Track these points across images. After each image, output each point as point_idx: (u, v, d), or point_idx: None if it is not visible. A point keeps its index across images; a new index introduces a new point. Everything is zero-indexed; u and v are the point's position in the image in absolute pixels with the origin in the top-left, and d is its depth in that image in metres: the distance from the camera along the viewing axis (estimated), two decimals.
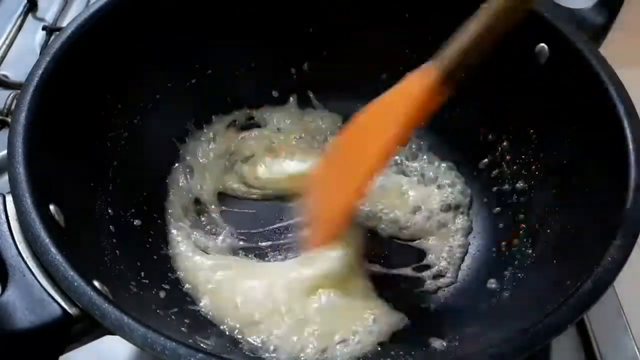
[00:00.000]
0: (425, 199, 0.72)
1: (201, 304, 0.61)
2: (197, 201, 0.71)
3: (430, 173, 0.75)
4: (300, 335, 0.58)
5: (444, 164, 0.75)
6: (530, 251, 0.62)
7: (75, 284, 0.43)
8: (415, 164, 0.76)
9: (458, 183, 0.73)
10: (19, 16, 0.97)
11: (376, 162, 0.59)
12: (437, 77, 0.54)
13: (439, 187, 0.73)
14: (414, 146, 0.77)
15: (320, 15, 0.75)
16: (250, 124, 0.78)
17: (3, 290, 0.44)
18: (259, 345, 0.58)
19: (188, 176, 0.72)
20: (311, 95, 0.80)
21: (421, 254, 0.69)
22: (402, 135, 0.58)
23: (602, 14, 0.66)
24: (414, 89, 0.55)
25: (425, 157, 0.76)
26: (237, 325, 0.59)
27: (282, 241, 0.69)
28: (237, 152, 0.75)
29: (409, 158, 0.76)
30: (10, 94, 0.84)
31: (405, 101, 0.56)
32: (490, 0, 0.52)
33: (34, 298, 0.43)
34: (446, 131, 0.76)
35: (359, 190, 0.60)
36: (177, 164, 0.72)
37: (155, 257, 0.64)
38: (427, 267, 0.68)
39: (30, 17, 0.97)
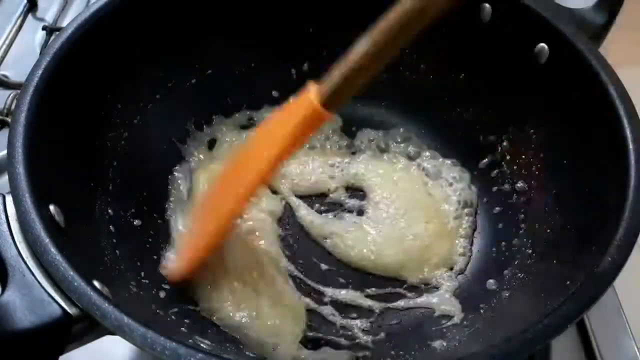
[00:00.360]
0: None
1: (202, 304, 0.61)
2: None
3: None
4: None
5: (447, 161, 0.75)
6: (530, 251, 0.62)
7: (75, 284, 0.43)
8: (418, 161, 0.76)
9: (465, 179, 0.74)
10: (19, 16, 0.97)
11: (248, 186, 0.57)
12: (319, 102, 0.51)
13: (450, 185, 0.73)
14: (412, 143, 0.77)
15: (320, 15, 0.75)
16: (250, 124, 0.78)
17: (3, 290, 0.44)
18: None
19: (188, 176, 0.72)
20: None
21: None
22: (277, 158, 0.55)
23: (602, 14, 0.66)
24: (299, 109, 0.53)
25: (427, 154, 0.76)
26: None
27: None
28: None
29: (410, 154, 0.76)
30: (10, 94, 0.84)
31: (283, 127, 0.54)
32: (386, 14, 0.49)
33: (34, 298, 0.43)
34: (446, 131, 0.76)
35: (229, 214, 0.59)
36: (177, 164, 0.72)
37: (155, 257, 0.64)
38: None
39: (30, 17, 0.97)
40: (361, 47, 0.49)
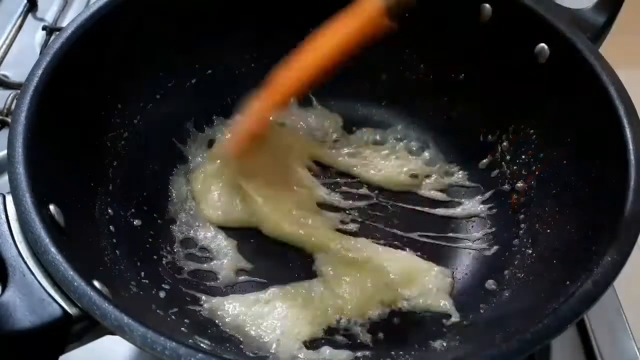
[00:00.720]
0: None
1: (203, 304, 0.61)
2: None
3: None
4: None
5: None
6: (530, 251, 0.62)
7: (75, 284, 0.43)
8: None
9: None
10: (19, 16, 0.97)
11: (304, 69, 0.62)
12: (383, 7, 0.56)
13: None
14: (414, 143, 0.77)
15: (320, 15, 0.75)
16: None
17: (3, 290, 0.44)
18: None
19: (188, 176, 0.72)
20: (311, 94, 0.79)
21: None
22: (336, 51, 0.60)
23: (602, 14, 0.66)
24: (361, 11, 0.58)
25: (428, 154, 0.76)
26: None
27: None
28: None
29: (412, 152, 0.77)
30: (10, 94, 0.84)
31: (349, 21, 0.59)
32: None
33: (34, 298, 0.43)
34: (446, 131, 0.76)
35: (284, 93, 0.64)
36: (177, 164, 0.72)
37: (155, 257, 0.64)
38: None
39: (30, 17, 0.97)
40: None
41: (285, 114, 0.75)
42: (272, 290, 0.63)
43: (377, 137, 0.78)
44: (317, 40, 0.61)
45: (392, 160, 0.75)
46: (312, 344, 0.59)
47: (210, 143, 0.75)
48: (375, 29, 0.58)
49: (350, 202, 0.72)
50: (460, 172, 0.74)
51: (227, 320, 0.60)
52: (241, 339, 0.58)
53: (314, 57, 0.61)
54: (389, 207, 0.72)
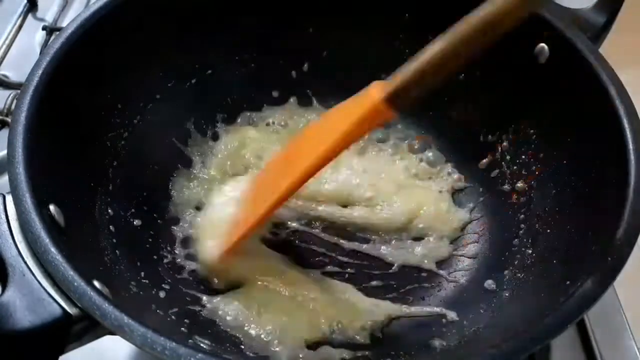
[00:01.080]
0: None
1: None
2: (196, 201, 0.71)
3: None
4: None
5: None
6: (530, 251, 0.62)
7: (75, 284, 0.43)
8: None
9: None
10: (19, 16, 0.97)
11: (297, 176, 0.56)
12: (384, 98, 0.49)
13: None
14: (408, 146, 0.77)
15: (320, 15, 0.75)
16: (250, 124, 0.78)
17: (3, 290, 0.44)
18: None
19: (188, 176, 0.72)
20: (311, 94, 0.80)
21: None
22: (332, 151, 0.54)
23: (602, 14, 0.66)
24: (362, 103, 0.52)
25: (430, 154, 0.76)
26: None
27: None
28: (237, 152, 0.75)
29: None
30: (10, 94, 0.84)
31: (345, 118, 0.53)
32: (467, 17, 0.46)
33: (34, 298, 0.43)
34: (446, 131, 0.76)
35: (276, 201, 0.58)
36: (177, 164, 0.72)
37: (155, 257, 0.64)
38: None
39: (30, 17, 0.97)
40: (436, 47, 0.46)
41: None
42: (274, 290, 0.63)
43: (380, 136, 0.78)
44: (311, 140, 0.57)
45: (396, 162, 0.76)
46: (312, 344, 0.59)
47: (211, 143, 0.75)
48: (374, 123, 0.53)
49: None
50: (461, 172, 0.74)
51: (228, 319, 0.60)
52: (241, 339, 0.58)
53: (308, 163, 0.56)
54: None
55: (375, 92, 0.50)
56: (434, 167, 0.75)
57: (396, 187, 0.72)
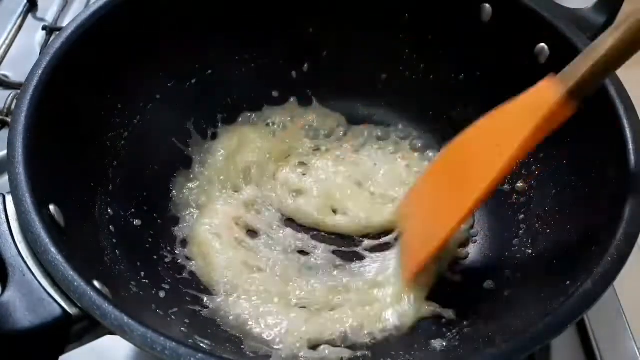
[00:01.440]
0: None
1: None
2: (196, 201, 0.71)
3: None
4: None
5: None
6: (530, 251, 0.62)
7: (75, 284, 0.43)
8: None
9: None
10: (19, 16, 0.97)
11: (489, 185, 0.54)
12: (567, 91, 0.50)
13: None
14: (409, 145, 0.77)
15: (320, 15, 0.75)
16: (250, 124, 0.78)
17: (3, 290, 0.44)
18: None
19: (188, 176, 0.72)
20: (311, 94, 0.80)
21: None
22: (522, 154, 0.53)
23: (602, 14, 0.66)
24: (541, 101, 0.51)
25: (431, 154, 0.76)
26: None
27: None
28: (237, 152, 0.75)
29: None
30: (10, 94, 0.84)
31: (529, 115, 0.51)
32: (629, 15, 0.48)
33: (34, 298, 0.43)
34: (446, 131, 0.76)
35: (465, 216, 0.57)
36: (177, 164, 0.72)
37: (155, 257, 0.64)
38: None
39: (30, 17, 0.97)
40: (610, 41, 0.48)
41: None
42: (275, 288, 0.63)
43: (379, 134, 0.78)
44: (488, 149, 0.54)
45: (397, 159, 0.76)
46: (313, 343, 0.59)
47: (210, 143, 0.75)
48: (557, 122, 0.51)
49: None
50: None
51: (230, 318, 0.60)
52: (242, 338, 0.58)
53: (494, 175, 0.53)
54: None
55: (552, 88, 0.50)
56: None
57: (399, 184, 0.73)
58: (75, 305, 0.43)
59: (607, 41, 0.48)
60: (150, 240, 0.65)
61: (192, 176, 0.72)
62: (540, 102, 0.51)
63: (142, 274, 0.59)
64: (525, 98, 0.53)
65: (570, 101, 0.50)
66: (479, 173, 0.55)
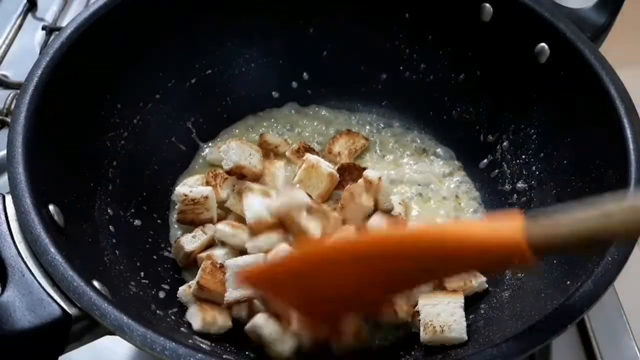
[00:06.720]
0: None
1: None
2: None
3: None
4: None
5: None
6: None
7: (75, 284, 0.43)
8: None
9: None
10: (19, 16, 0.97)
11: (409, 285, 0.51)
12: (528, 240, 0.41)
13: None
14: (415, 144, 0.77)
15: (321, 15, 0.75)
16: (250, 124, 0.78)
17: (3, 290, 0.44)
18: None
19: (188, 176, 0.72)
20: (311, 94, 0.80)
21: None
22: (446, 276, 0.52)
23: (602, 14, 0.66)
24: (495, 233, 0.43)
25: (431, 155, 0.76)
26: None
27: None
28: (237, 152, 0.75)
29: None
30: (10, 94, 0.84)
31: (469, 248, 0.44)
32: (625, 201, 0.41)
33: (34, 298, 0.43)
34: (446, 131, 0.76)
35: (378, 306, 0.54)
36: (177, 164, 0.72)
37: (155, 257, 0.64)
38: None
39: (30, 17, 0.97)
40: (593, 220, 0.41)
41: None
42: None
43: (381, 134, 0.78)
44: (416, 256, 0.46)
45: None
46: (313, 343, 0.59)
47: (210, 142, 0.75)
48: (509, 263, 0.47)
49: None
50: (461, 171, 0.74)
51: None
52: (242, 339, 0.58)
53: (418, 280, 0.50)
54: None
55: (516, 229, 0.42)
56: (437, 167, 0.75)
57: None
58: (75, 305, 0.43)
59: (614, 214, 0.41)
60: (150, 240, 0.65)
61: (191, 176, 0.72)
62: (497, 234, 0.43)
63: (142, 274, 0.59)
64: (487, 224, 0.47)
65: (529, 252, 0.41)
66: (408, 274, 0.48)
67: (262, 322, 0.55)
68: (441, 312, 0.56)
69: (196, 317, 0.56)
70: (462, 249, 0.44)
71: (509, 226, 0.42)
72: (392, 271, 0.47)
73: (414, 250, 0.46)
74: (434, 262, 0.46)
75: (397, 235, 0.50)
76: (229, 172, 0.65)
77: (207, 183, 0.67)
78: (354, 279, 0.48)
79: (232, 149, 0.64)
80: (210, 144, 0.75)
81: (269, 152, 0.73)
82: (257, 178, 0.66)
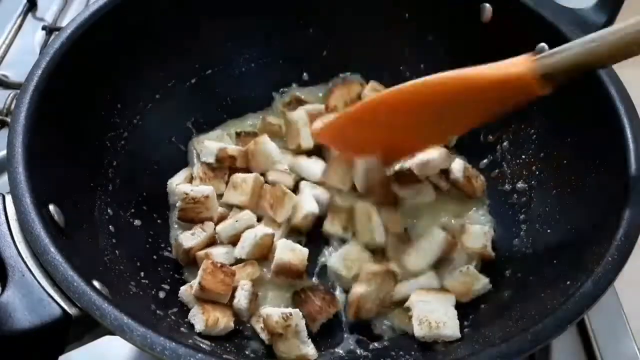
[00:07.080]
0: None
1: None
2: None
3: None
4: None
5: None
6: (530, 251, 0.62)
7: (75, 284, 0.43)
8: None
9: None
10: (19, 16, 0.97)
11: (442, 133, 0.61)
12: (537, 73, 0.50)
13: None
14: None
15: (320, 15, 0.75)
16: (249, 124, 0.78)
17: (3, 290, 0.44)
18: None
19: (188, 176, 0.72)
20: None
21: None
22: (482, 115, 0.56)
23: (602, 14, 0.66)
24: (511, 71, 0.51)
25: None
26: None
27: None
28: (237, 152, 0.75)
29: None
30: (10, 94, 0.84)
31: (498, 80, 0.52)
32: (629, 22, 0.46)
33: (34, 298, 0.43)
34: None
35: (413, 149, 0.63)
36: (177, 164, 0.72)
37: (155, 257, 0.64)
38: None
39: (30, 17, 0.97)
40: (601, 41, 0.48)
41: None
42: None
43: None
44: (451, 104, 0.56)
45: None
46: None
47: (210, 142, 0.75)
48: (522, 98, 0.52)
49: None
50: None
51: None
52: (242, 338, 0.58)
53: (441, 128, 0.60)
54: None
55: (528, 64, 0.50)
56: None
57: None
58: (75, 305, 0.43)
59: (607, 38, 0.47)
60: (150, 240, 0.65)
61: (192, 175, 0.72)
62: (510, 75, 0.51)
63: (142, 274, 0.59)
64: (498, 67, 0.53)
65: (542, 82, 0.50)
66: (435, 122, 0.59)
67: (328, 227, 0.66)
68: (434, 310, 0.58)
69: (199, 318, 0.56)
70: (483, 86, 0.53)
71: (519, 62, 0.51)
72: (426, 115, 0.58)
73: (447, 90, 0.56)
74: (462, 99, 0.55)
75: (429, 81, 0.57)
76: (217, 162, 0.68)
77: (201, 180, 0.68)
78: (403, 119, 0.60)
79: (207, 146, 0.68)
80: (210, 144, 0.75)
81: (273, 134, 0.74)
82: (245, 160, 0.69)
